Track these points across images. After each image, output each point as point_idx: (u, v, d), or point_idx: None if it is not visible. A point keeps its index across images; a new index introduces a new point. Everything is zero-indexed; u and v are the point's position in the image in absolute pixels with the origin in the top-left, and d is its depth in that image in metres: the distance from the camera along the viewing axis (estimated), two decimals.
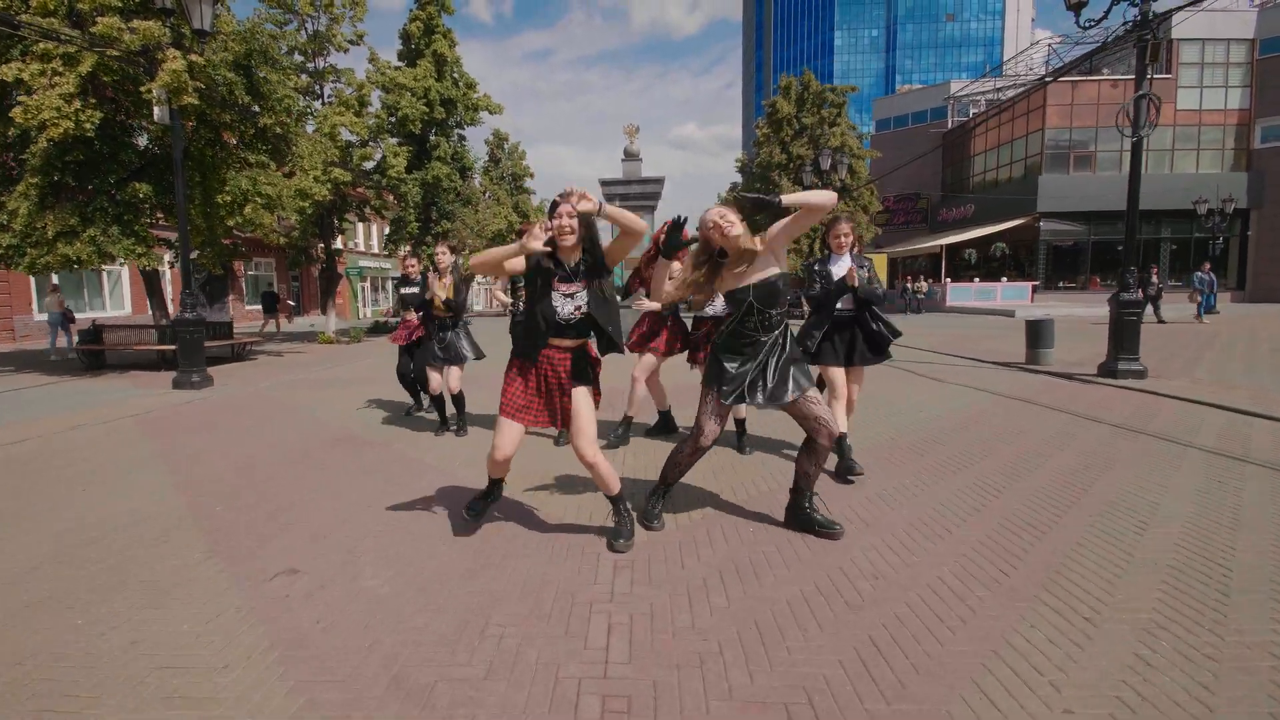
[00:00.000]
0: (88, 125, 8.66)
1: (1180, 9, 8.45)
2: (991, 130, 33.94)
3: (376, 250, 36.59)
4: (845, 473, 3.95)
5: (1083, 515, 3.25)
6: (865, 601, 2.40)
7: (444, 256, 5.50)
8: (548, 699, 1.85)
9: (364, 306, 36.62)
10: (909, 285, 27.35)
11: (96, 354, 11.41)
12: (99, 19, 8.38)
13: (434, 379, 5.52)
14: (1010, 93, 34.07)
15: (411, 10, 19.86)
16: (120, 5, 8.82)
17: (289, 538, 3.13)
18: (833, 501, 3.51)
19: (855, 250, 4.16)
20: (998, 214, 31.56)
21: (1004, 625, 2.21)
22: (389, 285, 37.65)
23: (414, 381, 6.45)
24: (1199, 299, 18.80)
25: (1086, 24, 8.94)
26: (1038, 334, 9.77)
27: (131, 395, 8.14)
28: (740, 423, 4.74)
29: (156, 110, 8.58)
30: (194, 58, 8.62)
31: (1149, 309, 18.13)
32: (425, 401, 6.65)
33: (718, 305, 4.48)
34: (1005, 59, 51.42)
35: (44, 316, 15.96)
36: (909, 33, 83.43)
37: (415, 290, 6.21)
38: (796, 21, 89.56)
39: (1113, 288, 29.74)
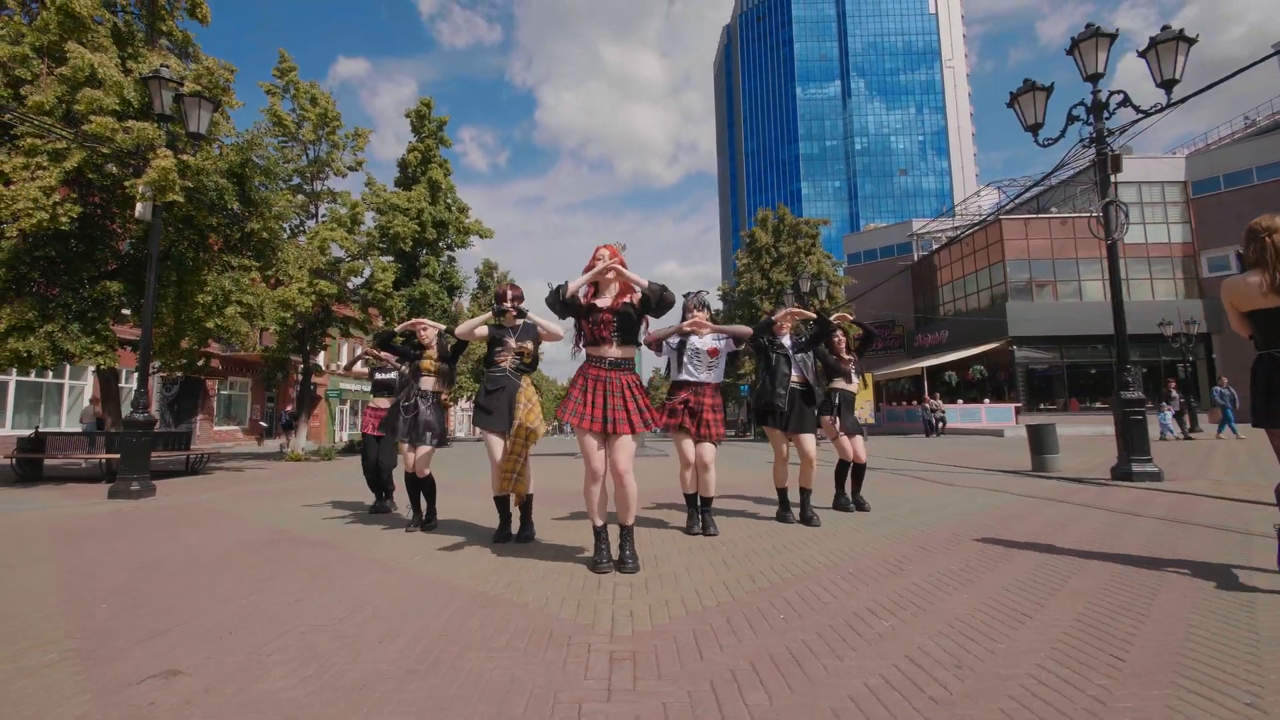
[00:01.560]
0: (64, 220, 8.48)
1: (1132, 124, 9.03)
2: (955, 262, 35.94)
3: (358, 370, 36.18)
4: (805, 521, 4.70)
5: (1177, 595, 2.65)
6: (955, 695, 1.75)
7: (426, 332, 5.12)
8: None
9: (341, 430, 35.45)
10: (927, 405, 25.57)
11: (33, 463, 10.45)
12: (94, 118, 8.47)
13: (408, 457, 4.91)
14: (968, 231, 36.59)
15: (411, 143, 21.09)
16: (118, 109, 8.98)
17: (178, 636, 2.40)
18: (875, 587, 2.87)
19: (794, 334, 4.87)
20: (971, 338, 32.52)
21: (1147, 713, 1.58)
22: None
23: (379, 474, 5.82)
24: (1220, 415, 17.42)
25: (1045, 142, 9.52)
26: (1042, 440, 9.39)
27: (56, 505, 7.24)
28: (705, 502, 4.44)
29: (139, 207, 8.47)
30: (185, 158, 8.67)
31: (1172, 425, 17.61)
32: (387, 501, 5.95)
33: (700, 372, 4.42)
34: (957, 204, 55.97)
35: (79, 427, 15.65)
36: (868, 185, 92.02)
37: (391, 376, 5.80)
38: (766, 174, 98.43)
39: (1091, 409, 29.87)
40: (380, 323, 21.27)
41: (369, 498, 6.04)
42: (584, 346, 3.37)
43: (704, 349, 4.40)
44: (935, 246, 39.70)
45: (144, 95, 9.14)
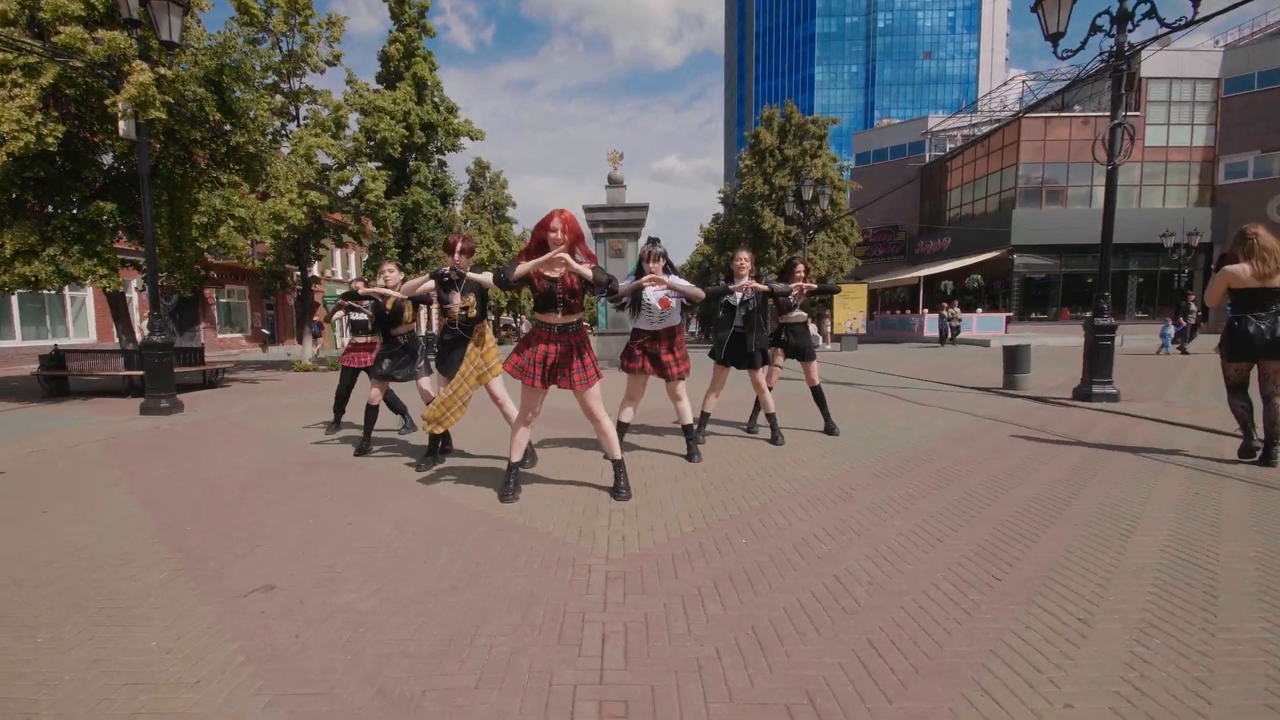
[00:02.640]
0: (50, 140, 8.49)
1: (1154, 40, 8.83)
2: (968, 165, 35.09)
3: (355, 277, 36.33)
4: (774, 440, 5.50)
5: (1070, 525, 3.26)
6: (862, 607, 2.36)
7: (390, 276, 5.52)
8: (542, 706, 1.78)
9: (341, 335, 36.12)
10: (944, 312, 24.74)
11: (59, 380, 11.05)
12: (62, 28, 8.28)
13: (373, 391, 5.46)
14: (986, 128, 35.40)
15: (391, 32, 20.01)
16: (84, 15, 8.74)
17: (262, 555, 3.01)
18: (826, 514, 3.48)
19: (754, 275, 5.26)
20: (974, 247, 32.45)
21: (1000, 626, 2.19)
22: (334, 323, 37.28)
23: (343, 407, 6.48)
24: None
25: (1064, 54, 9.29)
26: (1014, 360, 9.95)
27: (96, 421, 7.88)
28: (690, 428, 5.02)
29: (122, 125, 8.47)
30: (162, 70, 8.54)
31: (1171, 339, 18.25)
32: (404, 423, 6.56)
33: (656, 320, 4.82)
34: (980, 96, 53.45)
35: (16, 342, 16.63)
36: (887, 70, 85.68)
37: (364, 318, 6.17)
38: (778, 57, 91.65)
39: (1084, 318, 30.53)
40: (373, 229, 21.24)
41: (384, 414, 6.66)
42: (534, 310, 3.76)
43: (655, 301, 4.72)
44: (949, 146, 38.53)
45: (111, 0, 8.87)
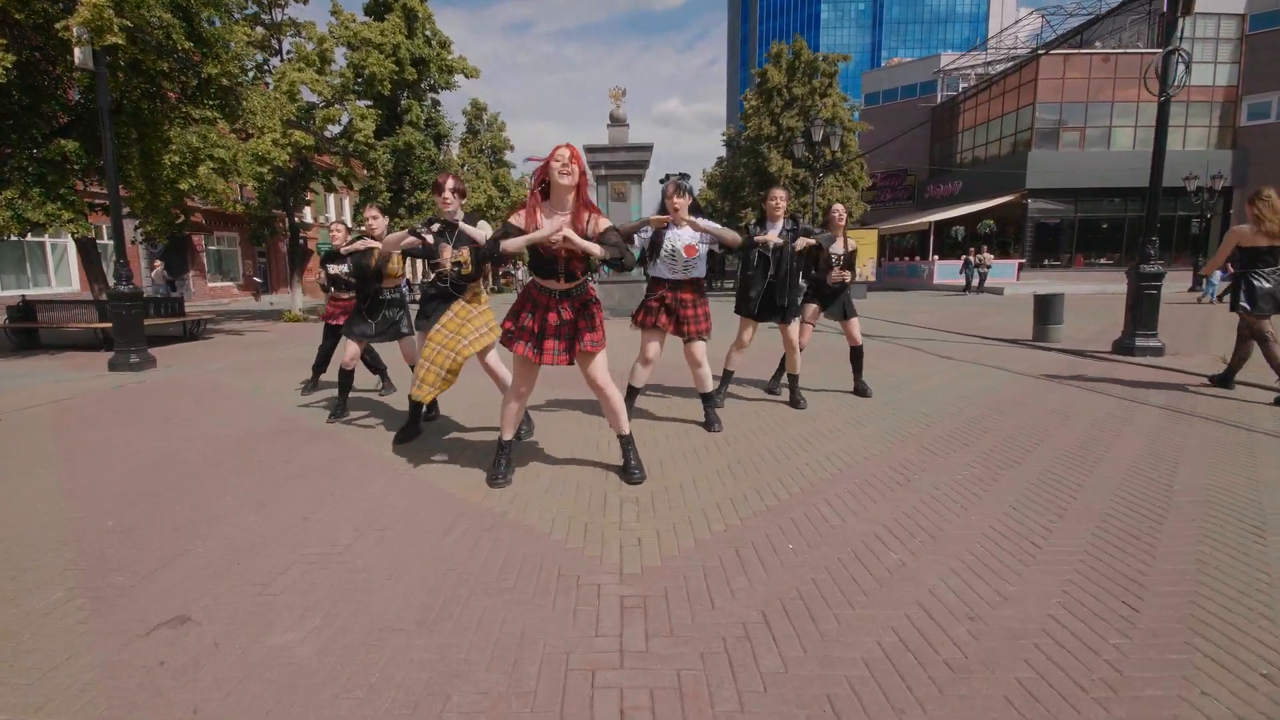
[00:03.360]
0: None
1: None
2: (981, 105, 33.41)
3: (349, 225, 35.05)
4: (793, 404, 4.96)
5: (1189, 524, 2.64)
6: (970, 660, 1.74)
7: (374, 223, 4.77)
8: None
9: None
10: (970, 258, 23.00)
11: (29, 332, 10.37)
12: None
13: (350, 349, 4.80)
14: (1000, 67, 33.50)
15: None
16: None
17: (186, 567, 2.39)
18: (883, 504, 2.86)
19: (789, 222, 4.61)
20: (986, 191, 31.17)
21: (1167, 693, 1.58)
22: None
23: (372, 363, 5.78)
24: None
25: None
26: (1047, 309, 9.25)
27: (59, 378, 7.23)
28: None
29: (78, 52, 7.50)
30: None
31: (1215, 288, 17.15)
32: (381, 384, 5.93)
33: (680, 269, 4.15)
34: (991, 35, 50.76)
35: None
36: (895, 8, 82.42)
37: (344, 268, 5.44)
38: None
39: (1095, 265, 29.30)
40: (364, 173, 20.10)
41: (362, 374, 6.02)
42: (530, 268, 3.12)
43: (681, 247, 4.05)
44: (962, 85, 36.66)
45: None
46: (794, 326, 4.79)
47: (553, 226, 2.81)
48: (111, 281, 9.22)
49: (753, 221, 4.75)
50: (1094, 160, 29.43)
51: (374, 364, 5.88)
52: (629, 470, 3.26)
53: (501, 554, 2.44)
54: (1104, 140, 30.14)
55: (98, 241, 13.15)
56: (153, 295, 13.37)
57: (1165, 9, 8.11)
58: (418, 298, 4.25)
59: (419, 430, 4.25)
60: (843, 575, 2.23)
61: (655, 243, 4.08)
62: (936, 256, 29.44)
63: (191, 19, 9.57)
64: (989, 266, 23.08)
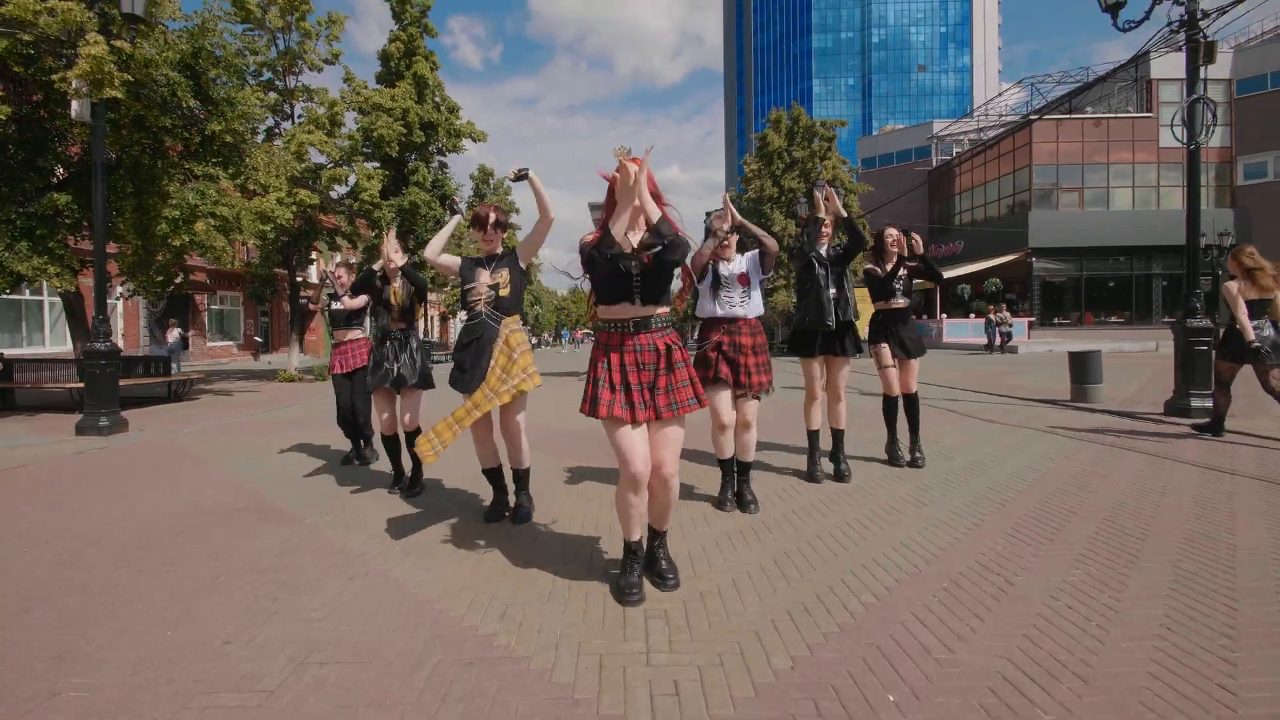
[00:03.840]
0: None
1: (1232, 5, 7.66)
2: (977, 168, 33.92)
3: (336, 263, 35.01)
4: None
5: None
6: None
7: (395, 257, 4.23)
8: None
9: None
10: (992, 317, 22.24)
11: (4, 392, 9.79)
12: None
13: (384, 414, 4.18)
14: (992, 133, 34.23)
15: (392, 31, 18.90)
16: None
17: (47, 713, 1.71)
18: (997, 625, 2.17)
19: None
20: (988, 250, 31.20)
21: None
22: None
23: (356, 422, 5.13)
24: None
25: (1126, 25, 8.16)
26: (1085, 368, 8.65)
27: (16, 443, 6.60)
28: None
29: (74, 105, 7.26)
30: (121, 44, 7.34)
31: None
32: (366, 450, 5.29)
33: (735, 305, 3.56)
34: (976, 106, 52.52)
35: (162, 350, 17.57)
36: (883, 83, 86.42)
37: (341, 307, 5.01)
38: (776, 71, 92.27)
39: (1106, 324, 28.95)
40: (370, 234, 20.01)
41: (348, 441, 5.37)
42: (596, 306, 2.49)
43: (734, 275, 3.53)
44: (956, 150, 37.43)
45: None
46: (847, 366, 4.22)
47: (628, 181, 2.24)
48: (90, 338, 8.75)
49: (803, 237, 4.19)
50: (1095, 220, 29.55)
51: (358, 427, 5.22)
52: (662, 574, 2.56)
53: (483, 706, 1.75)
54: (1103, 200, 30.36)
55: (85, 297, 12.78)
56: (159, 356, 12.85)
57: (1185, 61, 7.92)
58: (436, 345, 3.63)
59: (502, 510, 3.59)
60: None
61: (711, 279, 3.55)
62: (944, 315, 29.15)
63: (199, 77, 9.48)
64: (1011, 325, 22.47)
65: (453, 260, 3.44)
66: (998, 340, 21.74)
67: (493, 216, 3.38)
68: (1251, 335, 5.20)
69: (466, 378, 3.25)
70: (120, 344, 21.77)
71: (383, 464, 5.22)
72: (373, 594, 2.54)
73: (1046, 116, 29.75)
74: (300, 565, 2.86)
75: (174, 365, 19.24)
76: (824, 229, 4.16)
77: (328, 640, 2.15)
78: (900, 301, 4.63)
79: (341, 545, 3.15)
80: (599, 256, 2.32)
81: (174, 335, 19.32)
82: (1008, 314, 22.68)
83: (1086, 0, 7.64)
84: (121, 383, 8.41)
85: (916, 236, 4.68)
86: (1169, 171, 30.18)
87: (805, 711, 1.70)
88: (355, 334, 5.14)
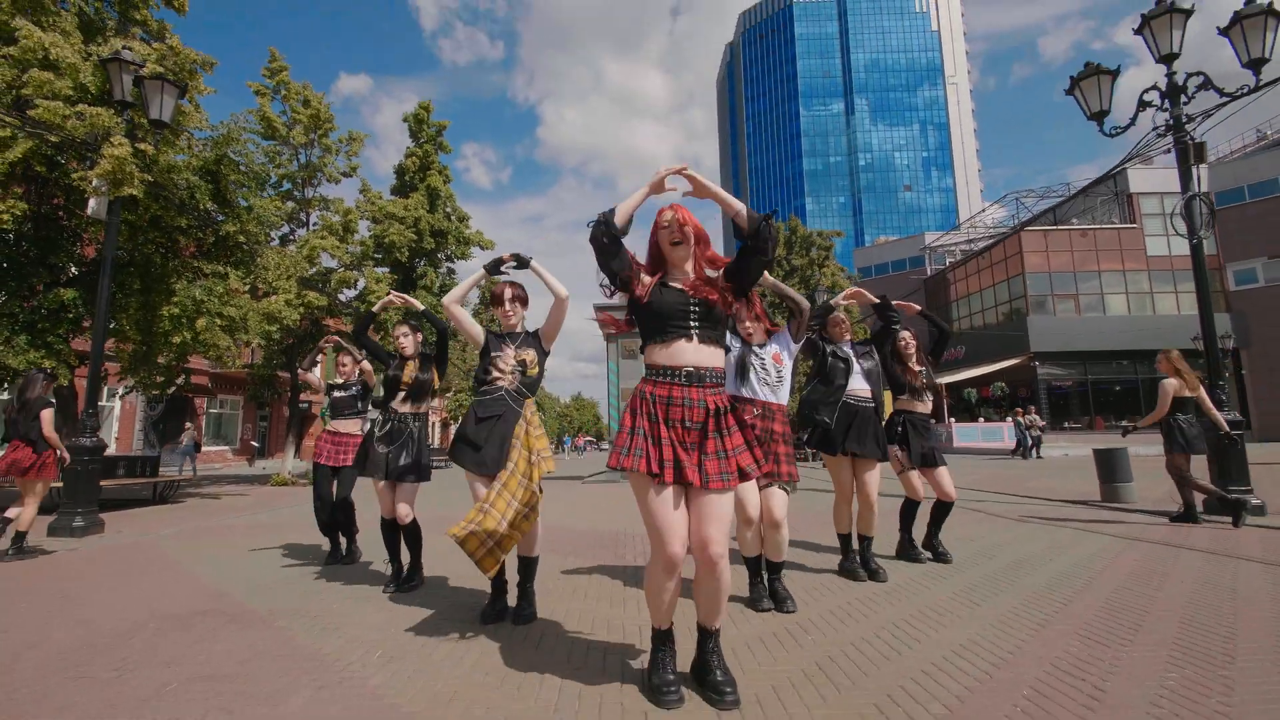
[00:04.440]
0: (6, 217, 7.50)
1: (1217, 109, 8.06)
2: (971, 276, 34.98)
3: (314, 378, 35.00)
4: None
5: None
6: None
7: (405, 341, 4.07)
8: None
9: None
10: (1021, 420, 20.95)
11: None
12: (41, 102, 7.51)
13: (384, 499, 3.85)
14: (982, 243, 35.68)
15: (409, 148, 20.15)
16: (72, 94, 8.00)
17: None
18: None
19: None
20: (990, 354, 31.45)
21: None
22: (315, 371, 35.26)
23: (334, 519, 4.72)
24: None
25: (1112, 131, 8.59)
26: (1112, 466, 8.29)
27: None
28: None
29: (91, 203, 7.48)
30: (144, 147, 7.67)
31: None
32: (353, 547, 4.87)
33: (768, 388, 3.35)
34: (962, 220, 55.22)
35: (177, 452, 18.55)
36: (872, 202, 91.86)
37: (351, 393, 4.83)
38: (770, 191, 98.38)
39: (1117, 427, 28.40)
40: (376, 337, 20.25)
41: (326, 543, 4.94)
42: (644, 350, 2.21)
43: (769, 355, 3.32)
44: (948, 260, 38.82)
45: (102, 81, 8.20)
46: (876, 469, 3.90)
47: (668, 171, 2.16)
48: (79, 433, 8.48)
49: (829, 300, 4.06)
50: (1093, 325, 30.01)
51: (340, 523, 4.81)
52: (717, 687, 2.09)
53: None
54: (1099, 306, 30.98)
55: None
56: (147, 456, 12.47)
57: (1176, 162, 8.23)
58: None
59: (503, 607, 3.21)
60: None
61: (741, 360, 3.33)
62: (952, 419, 28.84)
63: (219, 181, 9.88)
64: (1041, 429, 20.92)
65: (473, 325, 3.28)
66: (1029, 443, 20.18)
67: (509, 291, 3.28)
68: (1224, 425, 6.33)
69: (480, 456, 2.99)
70: (113, 446, 21.42)
71: (370, 557, 4.80)
72: (344, 705, 2.13)
73: (1034, 229, 31.06)
74: (264, 673, 2.45)
75: (192, 468, 18.80)
76: (837, 323, 4.02)
77: None
78: (920, 404, 4.42)
79: (314, 650, 2.73)
80: (660, 289, 2.15)
81: (187, 437, 19.37)
82: (1037, 416, 21.37)
83: (1057, 131, 8.08)
84: (103, 483, 8.05)
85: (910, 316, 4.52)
86: (1159, 278, 31.04)
87: None
88: (351, 426, 4.87)
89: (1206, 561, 4.20)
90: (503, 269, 3.23)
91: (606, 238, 2.13)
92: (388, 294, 4.28)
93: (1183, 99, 7.97)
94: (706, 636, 2.19)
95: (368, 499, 5.37)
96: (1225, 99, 7.75)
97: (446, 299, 3.32)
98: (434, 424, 41.77)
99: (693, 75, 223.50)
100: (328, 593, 3.80)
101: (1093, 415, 29.89)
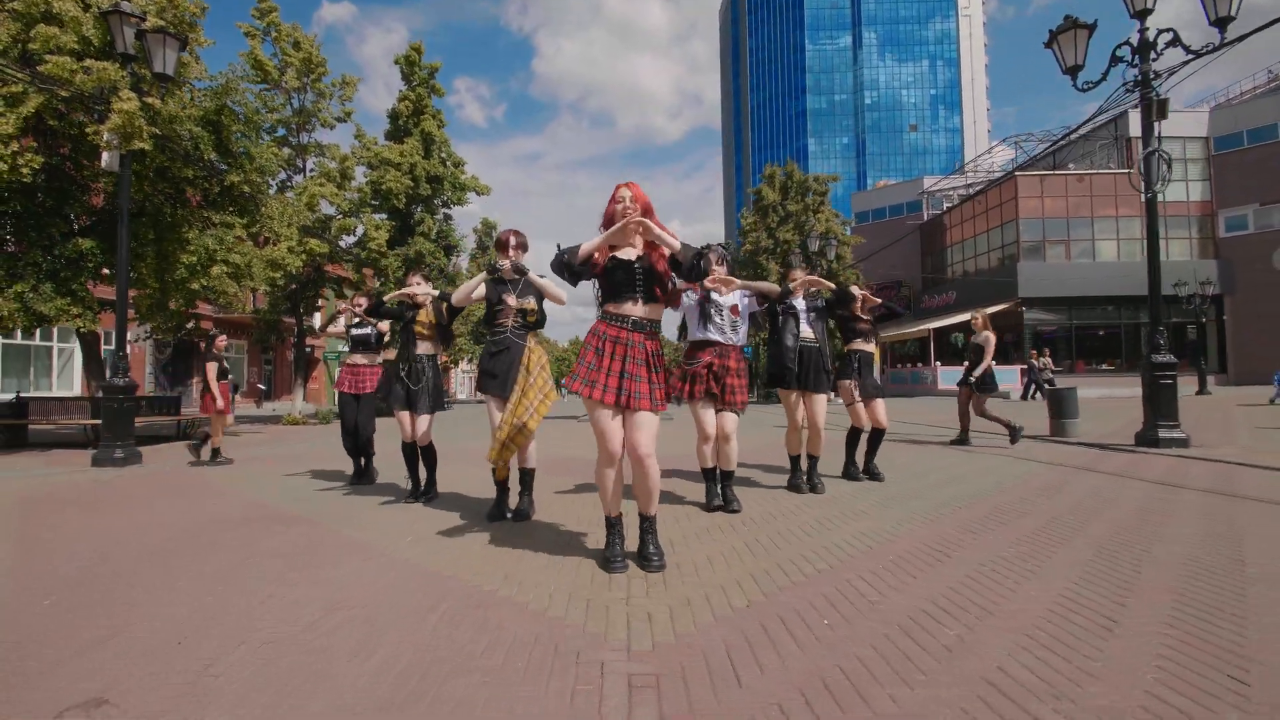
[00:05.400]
0: (25, 170, 7.93)
1: (1182, 65, 8.40)
2: (966, 222, 35.08)
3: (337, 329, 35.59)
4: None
5: (1265, 587, 2.29)
6: None
7: (418, 290, 4.65)
8: None
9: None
10: (1035, 362, 20.88)
11: (16, 430, 10.12)
12: (50, 58, 7.83)
13: (405, 425, 4.53)
14: (980, 188, 35.63)
15: (401, 91, 20.09)
16: (77, 48, 8.30)
17: (122, 646, 2.04)
18: (926, 581, 2.51)
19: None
20: (980, 300, 31.92)
21: None
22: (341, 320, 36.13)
23: (358, 442, 5.47)
24: None
25: (1085, 86, 8.90)
26: (1061, 405, 9.04)
27: (37, 474, 6.92)
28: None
29: (104, 156, 7.88)
30: (152, 100, 8.03)
31: None
32: (370, 468, 5.63)
33: (725, 332, 4.00)
34: (967, 161, 54.61)
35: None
36: (876, 142, 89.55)
37: (367, 331, 5.45)
38: (772, 130, 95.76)
39: (1097, 371, 29.11)
40: (375, 283, 20.71)
41: (351, 465, 5.70)
42: (602, 302, 2.84)
43: (726, 306, 3.97)
44: (946, 205, 38.80)
45: (105, 34, 8.47)
46: (822, 400, 4.61)
47: (629, 219, 2.65)
48: (108, 374, 9.17)
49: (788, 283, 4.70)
50: (1082, 271, 30.41)
51: (361, 446, 5.55)
52: (647, 557, 2.83)
53: (489, 631, 2.09)
54: (1089, 253, 31.29)
55: (104, 342, 13.29)
56: (166, 398, 13.21)
57: (1140, 116, 8.60)
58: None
59: (505, 509, 3.94)
60: (892, 652, 1.87)
61: (702, 307, 3.98)
62: (939, 363, 29.64)
63: (220, 132, 10.21)
64: (1053, 373, 20.45)
65: (479, 294, 3.85)
66: (1039, 384, 19.79)
67: (513, 239, 3.82)
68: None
69: (498, 383, 3.68)
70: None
71: (389, 477, 5.55)
72: (387, 567, 2.88)
73: (1030, 173, 31.03)
74: (317, 553, 3.19)
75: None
76: (796, 281, 4.63)
77: (352, 595, 2.49)
78: (869, 346, 5.13)
79: (354, 538, 3.48)
80: (613, 264, 2.75)
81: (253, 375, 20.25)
82: (1049, 360, 20.93)
83: (1088, 56, 8.37)
84: (136, 420, 8.78)
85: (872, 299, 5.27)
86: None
87: (754, 629, 2.04)
88: (367, 359, 5.55)
89: (1111, 479, 4.97)
90: (504, 277, 3.76)
91: (567, 271, 2.73)
92: (399, 291, 4.81)
93: (1152, 54, 8.27)
94: (644, 520, 2.90)
95: (388, 432, 6.11)
96: (1190, 56, 8.08)
97: (456, 299, 3.91)
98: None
99: (695, 4, 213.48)
100: (358, 503, 4.56)
101: (1074, 359, 30.69)
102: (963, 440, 8.12)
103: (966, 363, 8.34)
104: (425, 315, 4.54)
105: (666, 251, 2.75)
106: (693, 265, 2.65)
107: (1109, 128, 32.01)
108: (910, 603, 2.27)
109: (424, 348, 4.56)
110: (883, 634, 2.01)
